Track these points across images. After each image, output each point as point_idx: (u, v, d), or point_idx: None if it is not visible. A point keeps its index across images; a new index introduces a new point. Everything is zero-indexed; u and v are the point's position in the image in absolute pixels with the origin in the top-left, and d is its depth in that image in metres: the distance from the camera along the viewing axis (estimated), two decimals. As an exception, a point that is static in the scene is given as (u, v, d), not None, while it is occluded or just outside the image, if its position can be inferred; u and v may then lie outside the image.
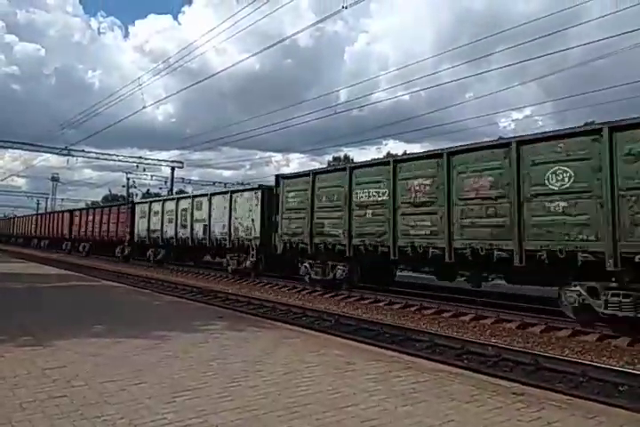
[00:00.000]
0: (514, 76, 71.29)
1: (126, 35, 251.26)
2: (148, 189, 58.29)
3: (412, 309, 10.60)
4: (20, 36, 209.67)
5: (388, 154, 63.74)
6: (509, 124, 76.83)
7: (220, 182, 52.55)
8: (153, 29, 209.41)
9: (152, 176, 47.49)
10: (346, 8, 12.09)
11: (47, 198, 71.80)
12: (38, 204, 73.35)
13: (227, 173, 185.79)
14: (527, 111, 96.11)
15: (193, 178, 57.92)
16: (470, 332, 8.49)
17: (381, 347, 6.45)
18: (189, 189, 48.42)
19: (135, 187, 51.15)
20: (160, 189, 49.19)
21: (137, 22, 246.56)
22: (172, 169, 44.92)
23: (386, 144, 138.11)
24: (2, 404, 3.37)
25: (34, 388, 3.74)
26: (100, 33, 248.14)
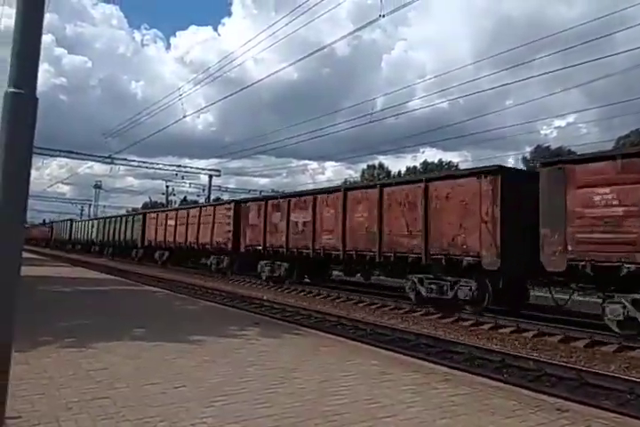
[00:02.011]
0: (556, 83, 69.54)
1: (168, 46, 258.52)
2: (185, 197, 59.60)
3: (450, 320, 10.42)
4: (69, 48, 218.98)
5: (424, 162, 63.35)
6: (551, 131, 74.56)
7: (254, 190, 53.31)
8: (194, 41, 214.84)
9: (190, 184, 48.68)
10: (383, 16, 12.14)
11: (90, 205, 74.25)
12: (82, 210, 75.91)
13: (263, 181, 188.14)
14: (570, 118, 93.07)
15: (230, 186, 58.96)
16: (510, 345, 8.28)
17: (418, 358, 6.34)
18: (226, 197, 49.22)
19: (174, 194, 52.47)
20: (198, 196, 50.35)
21: (178, 33, 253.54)
22: (210, 177, 45.88)
23: (423, 152, 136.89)
24: (49, 403, 3.48)
25: (79, 388, 3.85)
26: (143, 45, 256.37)
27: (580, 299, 11.95)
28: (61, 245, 52.01)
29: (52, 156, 39.90)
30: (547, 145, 49.73)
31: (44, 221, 78.45)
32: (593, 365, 6.95)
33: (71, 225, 47.95)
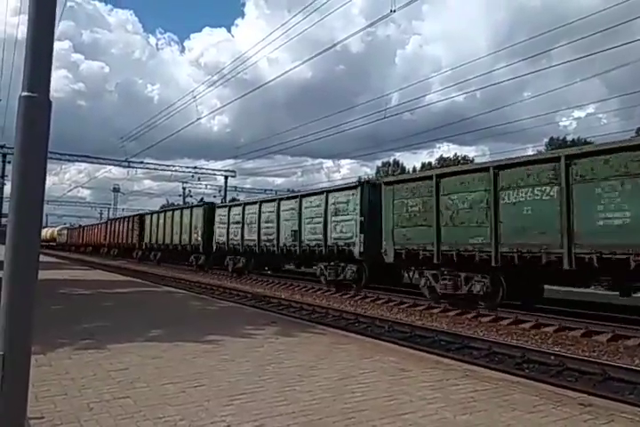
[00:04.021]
0: (575, 73, 68.11)
1: (182, 49, 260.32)
2: (202, 198, 59.99)
3: (469, 316, 10.34)
4: (86, 54, 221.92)
5: (440, 158, 62.87)
6: (570, 123, 73.27)
7: (270, 190, 53.54)
8: (208, 43, 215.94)
9: (207, 185, 49.05)
10: (394, 11, 12.07)
11: (109, 208, 75.19)
12: (101, 214, 76.85)
13: (278, 181, 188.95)
14: (590, 109, 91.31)
15: (246, 186, 59.27)
16: (531, 340, 8.18)
17: (437, 354, 6.30)
18: (242, 197, 49.45)
19: (191, 196, 52.86)
20: (214, 197, 50.63)
21: (192, 36, 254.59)
22: (225, 178, 46.17)
23: (439, 147, 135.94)
24: (71, 404, 3.52)
25: (100, 389, 3.90)
26: (158, 49, 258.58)
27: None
28: (172, 258, 28.92)
29: (70, 161, 40.54)
30: (562, 137, 49.09)
31: (71, 225, 78.07)
32: (616, 358, 6.84)
33: (207, 214, 24.22)
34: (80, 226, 58.72)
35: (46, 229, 75.70)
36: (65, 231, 65.16)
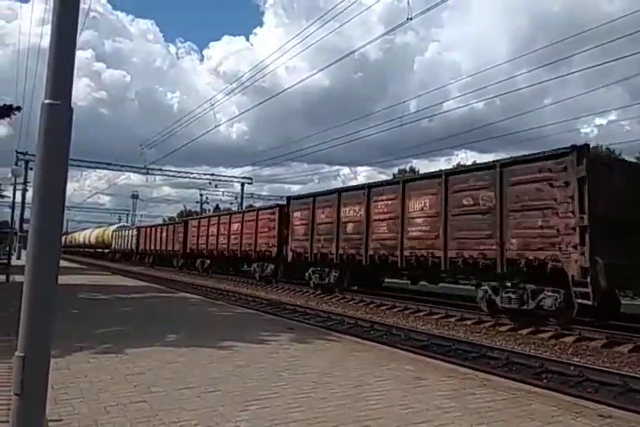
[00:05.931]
0: (596, 80, 67.22)
1: (202, 58, 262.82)
2: (217, 205, 60.51)
3: (487, 324, 10.22)
4: (108, 63, 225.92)
5: (458, 165, 62.38)
6: (592, 130, 72.08)
7: (285, 197, 53.77)
8: (227, 51, 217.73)
9: (223, 192, 49.47)
10: (411, 19, 12.12)
11: (127, 214, 76.00)
12: (120, 220, 77.76)
13: (295, 188, 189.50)
14: (612, 116, 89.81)
15: (263, 193, 59.55)
16: (550, 350, 8.05)
17: (454, 363, 6.22)
18: (258, 204, 49.73)
19: (208, 203, 53.30)
20: (231, 204, 51.15)
21: (211, 44, 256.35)
22: (242, 185, 46.53)
23: (457, 155, 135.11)
24: (89, 407, 3.56)
25: (117, 393, 3.93)
26: (178, 57, 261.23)
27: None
28: None
29: (90, 167, 41.30)
30: (581, 145, 48.41)
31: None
32: (638, 370, 6.69)
33: None
34: (183, 221, 32.36)
35: (89, 231, 58.37)
36: (128, 232, 41.18)
